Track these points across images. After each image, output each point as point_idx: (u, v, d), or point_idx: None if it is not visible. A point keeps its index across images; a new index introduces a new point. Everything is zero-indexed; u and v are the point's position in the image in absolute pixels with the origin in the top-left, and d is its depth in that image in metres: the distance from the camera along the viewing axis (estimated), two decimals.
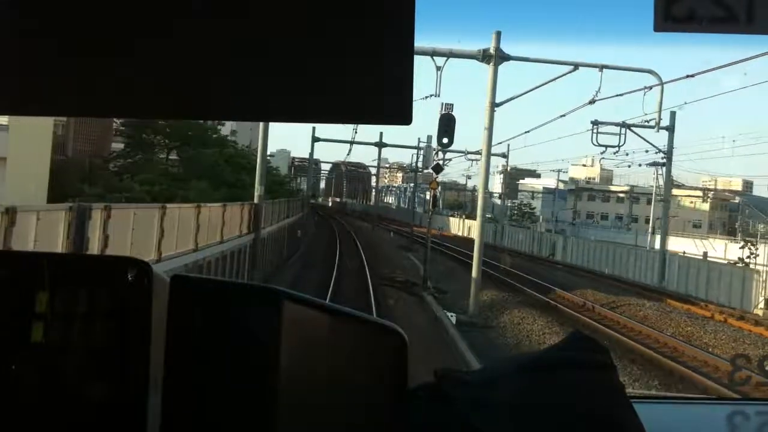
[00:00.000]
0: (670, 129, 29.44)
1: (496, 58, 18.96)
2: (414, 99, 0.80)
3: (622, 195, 67.75)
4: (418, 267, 27.43)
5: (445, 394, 0.85)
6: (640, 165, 40.84)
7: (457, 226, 57.76)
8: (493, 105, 19.73)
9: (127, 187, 22.98)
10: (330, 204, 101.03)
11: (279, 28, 0.75)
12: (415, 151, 47.04)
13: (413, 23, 0.74)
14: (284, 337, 0.79)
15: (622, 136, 28.78)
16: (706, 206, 63.00)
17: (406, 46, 0.76)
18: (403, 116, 0.79)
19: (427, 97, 21.26)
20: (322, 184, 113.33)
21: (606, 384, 0.83)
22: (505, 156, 44.77)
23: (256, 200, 21.52)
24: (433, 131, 20.32)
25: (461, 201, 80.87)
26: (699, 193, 61.27)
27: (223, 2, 0.76)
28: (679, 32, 0.93)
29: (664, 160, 31.94)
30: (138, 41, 0.76)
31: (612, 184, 75.24)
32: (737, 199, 62.12)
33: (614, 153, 30.14)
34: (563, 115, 26.41)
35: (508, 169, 53.20)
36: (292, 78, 0.78)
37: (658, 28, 0.91)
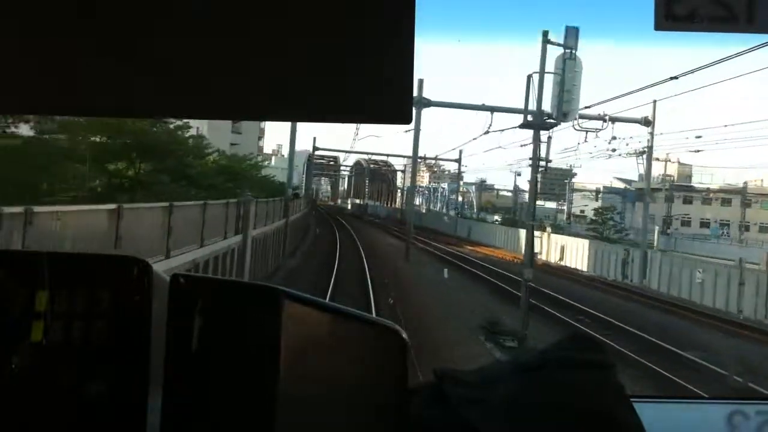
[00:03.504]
0: None
1: None
2: None
3: (709, 197, 56.22)
4: None
5: (445, 394, 0.87)
6: None
7: (540, 245, 32.65)
8: None
9: None
10: (349, 206, 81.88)
11: (279, 28, 0.79)
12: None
13: (413, 23, 0.77)
14: (284, 336, 0.81)
15: None
16: None
17: (406, 46, 0.78)
18: (403, 116, 0.82)
19: None
20: (345, 185, 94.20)
21: (606, 383, 0.85)
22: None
23: None
24: None
25: (500, 204, 59.68)
26: None
27: (223, 2, 0.79)
28: (679, 31, 0.91)
29: None
30: (138, 41, 0.79)
31: (691, 183, 63.41)
32: None
33: None
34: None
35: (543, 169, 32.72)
36: (293, 78, 0.81)
37: (658, 26, 0.90)
